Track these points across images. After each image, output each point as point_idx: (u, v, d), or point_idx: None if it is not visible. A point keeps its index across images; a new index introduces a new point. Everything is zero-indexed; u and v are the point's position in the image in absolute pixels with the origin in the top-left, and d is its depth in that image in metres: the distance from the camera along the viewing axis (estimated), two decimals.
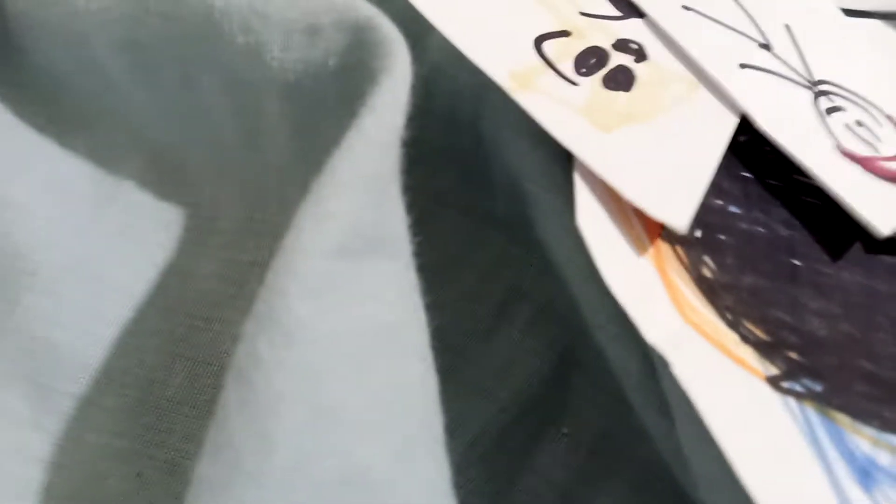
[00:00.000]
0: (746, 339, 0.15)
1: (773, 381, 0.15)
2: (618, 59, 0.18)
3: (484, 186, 0.21)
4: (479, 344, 0.19)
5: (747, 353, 0.15)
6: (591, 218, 0.16)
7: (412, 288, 0.15)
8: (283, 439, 0.13)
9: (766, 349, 0.15)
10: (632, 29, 0.19)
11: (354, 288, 0.14)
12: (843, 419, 0.14)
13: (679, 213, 0.16)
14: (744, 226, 0.17)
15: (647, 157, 0.17)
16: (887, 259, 0.17)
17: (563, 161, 0.17)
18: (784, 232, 0.17)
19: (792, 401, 0.14)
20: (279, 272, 0.14)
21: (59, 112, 0.21)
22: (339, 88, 0.17)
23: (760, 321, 0.16)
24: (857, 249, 0.17)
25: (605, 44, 0.19)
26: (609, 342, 0.17)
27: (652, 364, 0.15)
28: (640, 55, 0.18)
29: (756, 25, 0.20)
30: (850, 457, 0.14)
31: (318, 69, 0.17)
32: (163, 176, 0.20)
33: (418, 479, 0.14)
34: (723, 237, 0.17)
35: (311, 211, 0.14)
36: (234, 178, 0.20)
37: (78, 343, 0.18)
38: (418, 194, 0.21)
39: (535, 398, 0.19)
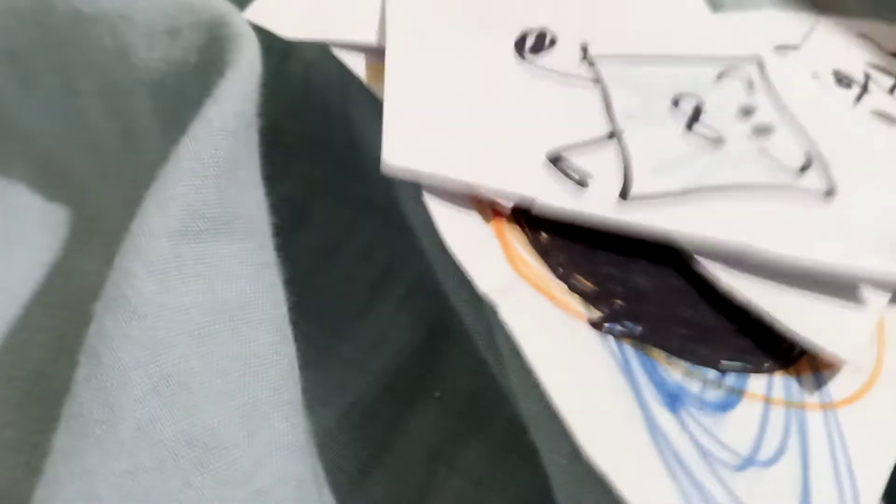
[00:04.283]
0: (574, 288, 0.16)
1: (596, 324, 0.16)
2: None
3: (358, 174, 0.22)
4: (354, 322, 0.20)
5: (573, 300, 0.16)
6: (436, 191, 0.17)
7: (266, 265, 0.16)
8: (127, 407, 0.14)
9: (592, 297, 0.16)
10: None
11: (199, 266, 0.15)
12: (658, 354, 0.16)
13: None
14: None
15: None
16: None
17: None
18: None
19: (611, 340, 0.15)
20: (126, 253, 0.15)
21: None
22: (200, 84, 0.18)
23: (590, 275, 0.17)
24: None
25: None
26: (461, 306, 0.18)
27: None
28: None
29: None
30: (660, 383, 0.15)
31: (179, 67, 0.18)
32: (48, 180, 0.21)
33: (267, 439, 0.15)
34: None
35: (156, 195, 0.15)
36: (115, 178, 0.21)
37: None
38: (299, 182, 0.22)
39: (406, 367, 0.20)
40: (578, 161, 0.18)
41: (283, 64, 0.22)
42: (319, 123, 0.22)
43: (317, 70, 0.22)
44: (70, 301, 0.20)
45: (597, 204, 0.17)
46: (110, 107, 0.20)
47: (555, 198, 0.17)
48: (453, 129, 0.18)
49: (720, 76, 0.22)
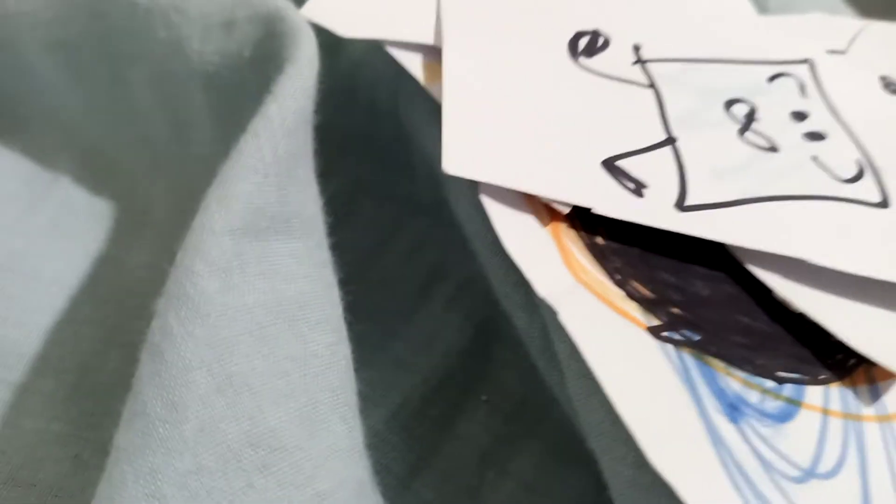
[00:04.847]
0: (632, 295, 0.16)
1: (654, 331, 0.16)
2: None
3: (406, 172, 0.22)
4: (403, 321, 0.20)
5: (631, 307, 0.16)
6: (492, 191, 0.17)
7: (323, 265, 0.16)
8: (191, 406, 0.14)
9: (650, 304, 0.16)
10: None
11: (260, 264, 0.15)
12: (717, 363, 0.16)
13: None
14: None
15: None
16: None
17: None
18: None
19: (670, 348, 0.15)
20: (188, 251, 0.14)
21: None
22: (255, 78, 0.18)
23: (647, 281, 0.17)
24: None
25: None
26: (514, 310, 0.17)
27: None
28: None
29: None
30: (720, 393, 0.15)
31: (234, 60, 0.18)
32: (96, 172, 0.21)
33: (326, 441, 0.15)
34: None
35: (218, 193, 0.15)
36: (164, 170, 0.21)
37: (12, 333, 0.19)
38: (345, 180, 0.22)
39: (455, 368, 0.20)
40: (634, 168, 0.18)
41: (332, 61, 0.22)
42: (367, 121, 0.22)
43: (365, 68, 0.22)
44: (118, 294, 0.20)
45: (653, 213, 0.17)
46: (162, 99, 0.19)
47: (611, 207, 0.17)
48: (510, 136, 0.18)
49: (772, 79, 0.22)
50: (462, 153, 0.17)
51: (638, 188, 0.17)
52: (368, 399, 0.18)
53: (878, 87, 0.24)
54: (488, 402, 0.19)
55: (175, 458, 0.13)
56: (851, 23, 0.26)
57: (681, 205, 0.17)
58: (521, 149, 0.17)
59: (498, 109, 0.18)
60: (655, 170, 0.18)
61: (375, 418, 0.19)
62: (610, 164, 0.18)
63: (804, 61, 0.23)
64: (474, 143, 0.17)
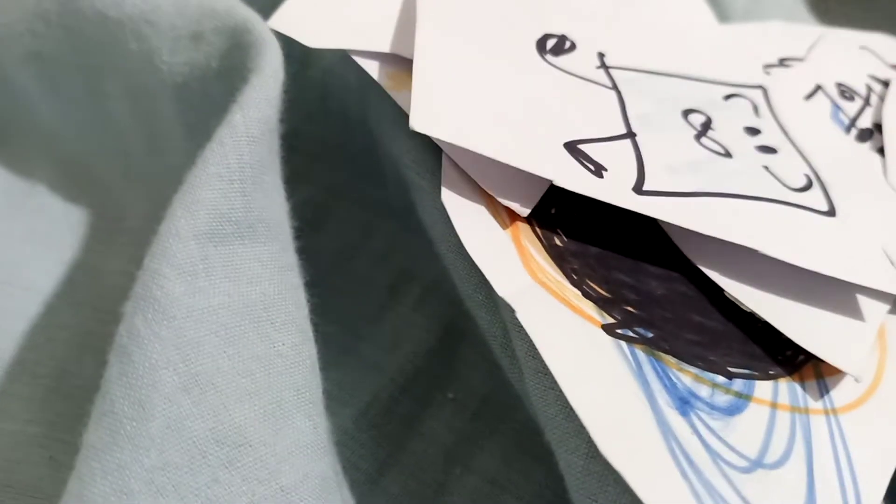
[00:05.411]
0: (588, 294, 0.17)
1: (609, 329, 0.16)
2: None
3: (376, 178, 0.22)
4: (371, 322, 0.21)
5: (587, 306, 0.16)
6: (454, 195, 0.18)
7: (288, 268, 0.17)
8: (158, 405, 0.14)
9: (605, 303, 0.17)
10: None
11: (225, 268, 0.15)
12: (669, 359, 0.16)
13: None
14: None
15: None
16: None
17: (434, 149, 0.19)
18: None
19: (624, 344, 0.16)
20: (154, 255, 0.15)
21: None
22: (222, 89, 0.19)
23: (603, 281, 0.17)
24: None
25: None
26: (476, 309, 0.18)
27: None
28: None
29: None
30: (671, 388, 0.16)
31: (203, 71, 0.19)
32: (72, 181, 0.21)
33: (291, 438, 0.15)
34: (576, 213, 0.18)
35: (184, 199, 0.15)
36: (138, 179, 0.21)
37: None
38: (318, 186, 0.22)
39: (422, 368, 0.20)
40: (595, 153, 0.18)
41: (301, 71, 0.22)
42: (337, 129, 0.22)
43: (335, 77, 0.22)
44: (93, 299, 0.20)
45: (612, 192, 0.18)
46: (135, 109, 0.20)
47: (572, 182, 0.17)
48: (476, 105, 0.18)
49: (727, 98, 0.22)
50: (429, 112, 0.17)
51: (598, 170, 0.18)
52: (337, 398, 0.19)
53: (834, 93, 0.25)
54: (454, 400, 0.20)
55: (142, 454, 0.14)
56: (810, 30, 0.27)
57: (638, 189, 0.18)
58: (487, 118, 0.18)
59: (466, 80, 0.19)
60: (615, 158, 0.19)
61: (344, 417, 0.19)
62: (572, 146, 0.18)
63: (758, 87, 0.23)
64: (441, 105, 0.18)
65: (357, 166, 0.23)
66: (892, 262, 0.19)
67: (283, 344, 0.16)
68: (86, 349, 0.20)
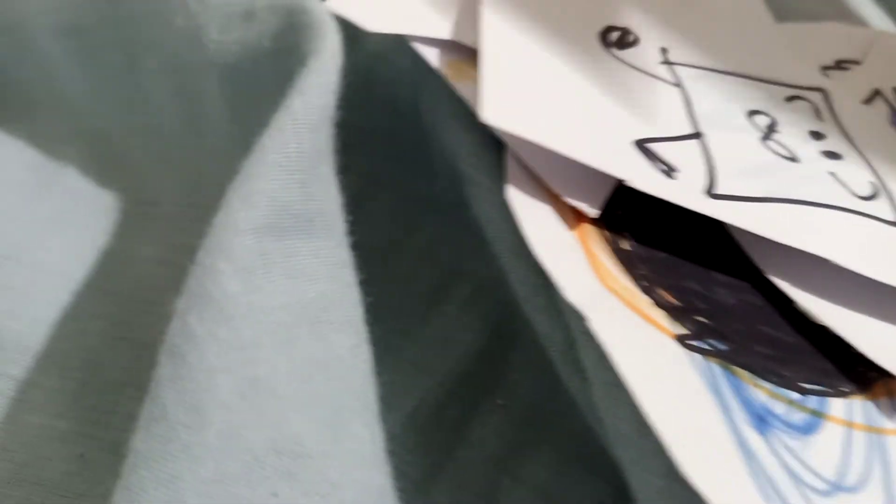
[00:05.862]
0: (659, 303, 0.16)
1: (682, 340, 0.15)
2: None
3: (423, 170, 0.21)
4: (418, 321, 0.20)
5: (659, 315, 0.16)
6: (519, 193, 0.17)
7: (344, 264, 0.16)
8: (214, 411, 0.13)
9: (676, 313, 0.16)
10: None
11: (284, 264, 0.14)
12: (743, 374, 0.15)
13: None
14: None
15: None
16: None
17: (495, 143, 0.18)
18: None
19: (698, 357, 0.15)
20: (210, 250, 0.14)
21: None
22: (274, 71, 0.17)
23: (673, 289, 0.16)
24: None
25: None
26: (536, 314, 0.17)
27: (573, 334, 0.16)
28: None
29: None
30: (747, 404, 0.15)
31: (253, 51, 0.18)
32: (103, 162, 0.20)
33: (350, 448, 0.14)
34: (643, 215, 0.18)
35: (240, 190, 0.14)
36: (175, 163, 0.20)
37: (16, 326, 0.18)
38: (358, 178, 0.21)
39: (471, 372, 0.19)
40: (664, 153, 0.18)
41: (350, 55, 0.21)
42: (384, 118, 0.21)
43: (384, 63, 0.21)
44: (126, 288, 0.19)
45: (685, 195, 0.17)
46: (175, 89, 0.19)
47: (646, 183, 0.17)
48: (545, 98, 0.17)
49: (789, 99, 0.22)
50: (500, 104, 0.16)
51: (669, 170, 0.17)
52: (384, 402, 0.18)
53: (892, 97, 0.24)
54: (504, 406, 0.19)
55: (197, 464, 0.13)
56: (865, 32, 0.26)
57: (710, 192, 0.17)
58: (557, 112, 0.17)
59: (533, 72, 0.18)
60: (685, 158, 0.18)
61: (391, 422, 0.18)
62: (641, 145, 0.18)
63: (818, 89, 0.23)
64: (512, 97, 0.17)
65: (402, 158, 0.22)
66: None
67: (342, 346, 0.15)
68: (120, 341, 0.19)
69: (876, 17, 0.28)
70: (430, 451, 0.18)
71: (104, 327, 0.19)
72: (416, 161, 0.21)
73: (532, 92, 0.17)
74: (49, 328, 0.19)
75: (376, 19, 0.18)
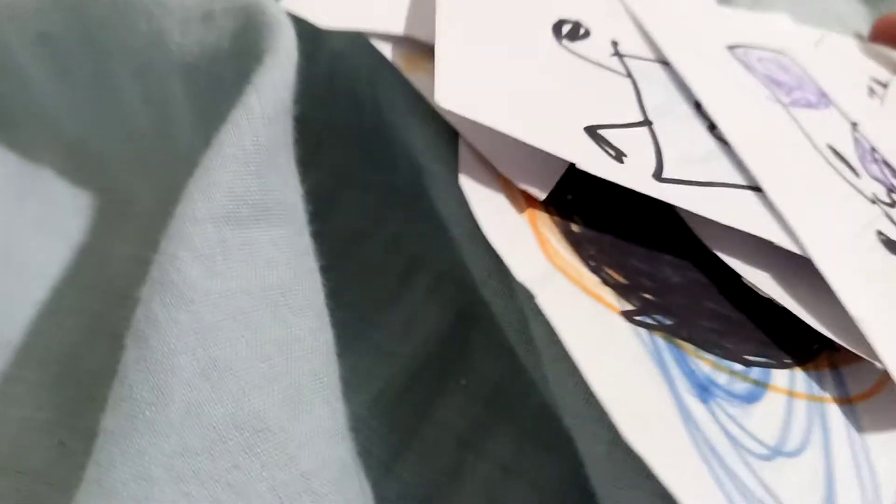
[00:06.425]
0: (606, 281, 0.17)
1: (628, 315, 0.16)
2: None
3: (386, 164, 0.22)
4: (383, 309, 0.21)
5: (606, 293, 0.16)
6: (471, 180, 0.17)
7: (304, 252, 0.17)
8: (177, 390, 0.14)
9: (623, 290, 0.17)
10: None
11: (243, 251, 0.15)
12: (687, 347, 0.16)
13: None
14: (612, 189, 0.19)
15: None
16: None
17: (450, 134, 0.18)
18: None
19: (643, 331, 0.16)
20: (171, 238, 0.15)
21: None
22: (234, 70, 0.18)
23: (620, 268, 0.17)
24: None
25: None
26: (492, 296, 0.18)
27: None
28: None
29: None
30: (690, 375, 0.16)
31: (214, 52, 0.18)
32: (79, 166, 0.21)
33: (309, 424, 0.15)
34: (592, 200, 0.18)
35: (199, 182, 0.15)
36: (148, 163, 0.21)
37: None
38: (327, 172, 0.22)
39: (435, 355, 0.20)
40: (614, 139, 0.18)
41: (312, 52, 0.22)
42: (347, 112, 0.22)
43: (344, 59, 0.22)
44: (103, 284, 0.20)
45: (633, 178, 0.17)
46: (144, 92, 0.20)
47: (595, 167, 0.17)
48: (500, 87, 0.18)
49: None
50: (454, 89, 0.17)
51: (618, 155, 0.18)
52: (350, 385, 0.18)
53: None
54: (467, 386, 0.20)
55: (162, 439, 0.14)
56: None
57: (658, 176, 0.18)
58: (510, 99, 0.18)
59: (487, 60, 0.18)
60: (634, 144, 0.19)
61: (357, 403, 0.19)
62: (592, 131, 0.18)
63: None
64: (466, 83, 0.17)
65: (366, 151, 0.22)
66: None
67: (301, 329, 0.16)
68: (96, 334, 0.19)
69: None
70: (396, 430, 0.19)
71: (81, 322, 0.19)
72: (380, 154, 0.22)
73: (486, 78, 0.18)
74: (29, 324, 0.19)
75: (332, 16, 0.19)
